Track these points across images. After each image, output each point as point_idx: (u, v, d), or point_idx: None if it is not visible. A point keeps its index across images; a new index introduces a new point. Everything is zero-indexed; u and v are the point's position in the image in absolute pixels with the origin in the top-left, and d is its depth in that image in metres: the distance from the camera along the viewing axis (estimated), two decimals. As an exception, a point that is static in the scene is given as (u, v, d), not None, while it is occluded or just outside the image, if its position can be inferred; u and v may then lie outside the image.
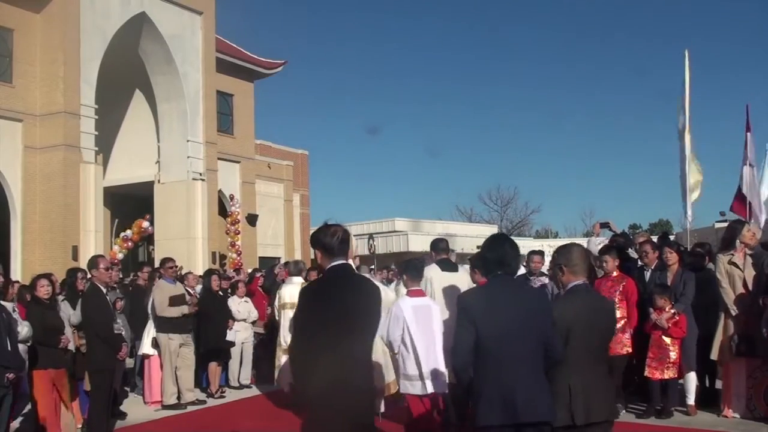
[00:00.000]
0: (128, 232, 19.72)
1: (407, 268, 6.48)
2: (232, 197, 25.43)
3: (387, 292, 6.86)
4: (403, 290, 6.60)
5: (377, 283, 4.81)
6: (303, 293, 3.93)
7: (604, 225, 10.32)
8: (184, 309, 9.28)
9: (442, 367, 5.99)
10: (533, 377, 3.69)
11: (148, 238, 22.81)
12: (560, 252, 4.23)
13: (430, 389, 5.98)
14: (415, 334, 5.97)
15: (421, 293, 6.30)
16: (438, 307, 6.33)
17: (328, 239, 3.84)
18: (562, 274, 4.18)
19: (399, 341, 6.05)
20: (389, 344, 6.28)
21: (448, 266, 7.05)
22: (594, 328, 3.98)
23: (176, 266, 10.23)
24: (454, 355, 3.85)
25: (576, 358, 3.88)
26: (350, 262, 4.32)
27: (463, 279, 6.90)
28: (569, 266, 4.13)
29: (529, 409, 3.61)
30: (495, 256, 3.90)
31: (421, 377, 5.95)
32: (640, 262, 8.52)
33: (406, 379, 6.09)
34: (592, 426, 3.96)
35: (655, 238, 10.35)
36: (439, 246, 7.31)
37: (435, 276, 6.86)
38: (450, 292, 6.62)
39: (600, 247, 8.81)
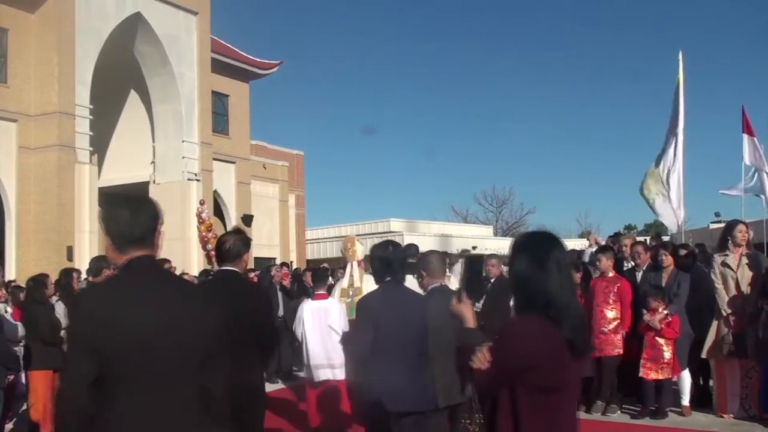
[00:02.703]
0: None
1: (314, 275, 7.60)
2: (202, 202, 23.03)
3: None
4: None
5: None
6: None
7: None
8: None
9: (337, 360, 6.85)
10: (416, 372, 4.24)
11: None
12: (421, 258, 4.91)
13: (322, 377, 6.90)
14: (308, 331, 6.99)
15: (324, 296, 7.27)
16: (339, 306, 7.19)
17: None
18: (424, 278, 4.86)
19: (300, 336, 7.14)
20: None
21: None
22: (448, 323, 4.52)
23: (169, 267, 10.19)
24: (354, 351, 4.45)
25: (434, 351, 4.34)
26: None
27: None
28: (427, 270, 4.83)
29: (408, 400, 4.17)
30: (382, 263, 4.46)
31: (308, 366, 7.00)
32: (630, 263, 8.55)
33: (303, 366, 7.18)
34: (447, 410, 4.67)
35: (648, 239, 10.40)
36: None
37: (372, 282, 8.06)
38: None
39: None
